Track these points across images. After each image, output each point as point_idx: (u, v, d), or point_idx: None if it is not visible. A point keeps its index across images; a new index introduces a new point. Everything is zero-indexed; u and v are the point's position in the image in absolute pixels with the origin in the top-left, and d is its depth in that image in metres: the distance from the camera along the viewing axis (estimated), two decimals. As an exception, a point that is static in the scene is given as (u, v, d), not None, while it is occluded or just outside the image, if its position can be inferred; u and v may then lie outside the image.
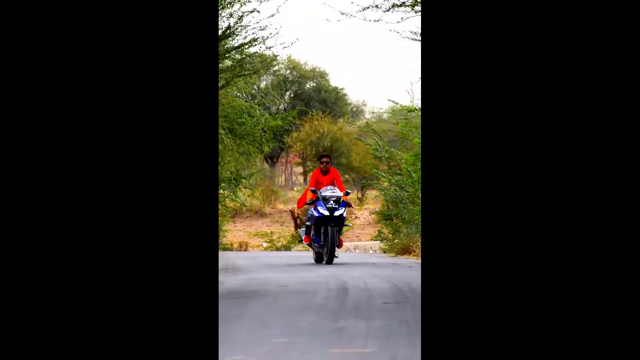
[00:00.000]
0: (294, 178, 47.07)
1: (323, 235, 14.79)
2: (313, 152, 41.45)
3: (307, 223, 15.26)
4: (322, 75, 48.07)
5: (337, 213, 14.76)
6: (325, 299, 8.35)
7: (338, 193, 14.92)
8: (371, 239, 31.64)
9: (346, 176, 41.62)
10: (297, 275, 11.83)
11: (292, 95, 47.09)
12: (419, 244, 20.61)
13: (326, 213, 14.73)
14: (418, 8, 13.69)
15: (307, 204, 15.32)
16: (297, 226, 16.19)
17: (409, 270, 13.38)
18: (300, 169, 45.46)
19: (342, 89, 48.95)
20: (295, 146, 42.26)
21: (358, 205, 40.95)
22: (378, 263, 15.97)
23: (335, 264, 14.80)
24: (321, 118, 41.41)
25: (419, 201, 20.01)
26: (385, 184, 24.22)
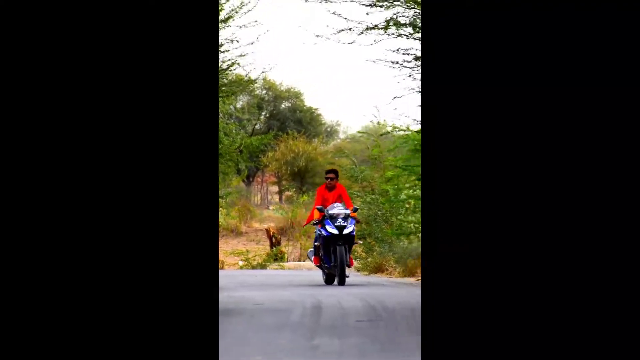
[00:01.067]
0: (269, 197, 47.01)
1: (333, 255, 13.84)
2: (288, 172, 41.45)
3: (316, 243, 14.28)
4: (297, 95, 48.10)
5: (346, 231, 13.86)
6: (300, 317, 8.36)
7: (346, 210, 14.02)
8: (345, 257, 31.59)
9: (321, 195, 41.60)
10: (272, 293, 11.83)
11: (267, 115, 47.08)
12: (392, 262, 20.63)
13: (335, 232, 13.80)
14: (391, 31, 13.76)
15: (313, 223, 14.39)
16: (272, 245, 16.02)
17: (382, 288, 13.40)
18: (275, 188, 45.41)
19: (316, 109, 48.99)
20: (270, 165, 42.23)
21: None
22: (351, 281, 15.97)
23: (312, 284, 14.79)
24: (296, 138, 41.43)
25: (392, 220, 20.04)
26: (359, 203, 24.23)
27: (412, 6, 13.53)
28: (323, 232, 13.94)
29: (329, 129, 51.21)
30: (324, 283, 14.23)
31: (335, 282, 13.90)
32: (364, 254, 24.61)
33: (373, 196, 22.82)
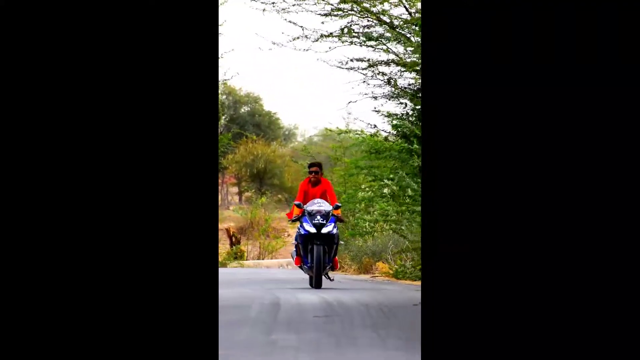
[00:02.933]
0: (229, 198, 46.90)
1: (310, 255, 12.47)
2: (248, 173, 41.40)
3: (294, 242, 12.94)
4: (256, 100, 48.03)
5: (324, 230, 12.38)
6: (258, 313, 8.38)
7: (326, 207, 12.51)
8: (303, 256, 31.58)
9: (279, 196, 41.60)
10: (232, 290, 11.84)
11: (228, 119, 46.97)
12: (348, 260, 20.70)
13: (312, 230, 12.38)
14: (345, 38, 13.83)
15: (292, 220, 12.93)
16: (232, 244, 15.78)
17: (337, 285, 13.45)
18: (235, 189, 45.31)
19: (275, 113, 48.97)
20: (230, 167, 42.14)
21: (291, 224, 40.85)
22: (308, 278, 16.00)
23: (270, 281, 14.77)
24: (255, 141, 41.39)
25: (349, 219, 20.08)
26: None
27: (366, 15, 13.60)
28: (301, 231, 12.62)
29: (287, 132, 51.19)
30: (311, 286, 12.66)
31: (313, 285, 12.47)
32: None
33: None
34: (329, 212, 12.46)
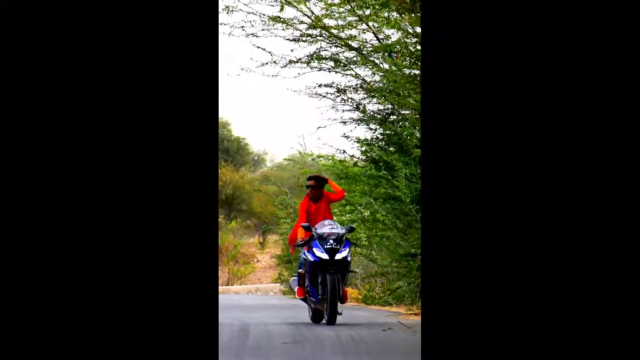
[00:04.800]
0: (198, 224, 46.84)
1: (321, 285, 10.34)
2: (216, 199, 41.39)
3: (300, 270, 10.87)
4: (225, 125, 48.04)
5: (339, 256, 10.33)
6: (228, 339, 8.27)
7: (339, 229, 10.50)
8: (272, 281, 31.54)
9: (248, 222, 41.51)
10: (201, 316, 11.70)
11: (196, 146, 47.00)
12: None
13: (325, 257, 10.30)
14: (314, 64, 13.79)
15: (298, 245, 10.83)
16: None
17: (307, 311, 13.34)
18: (204, 215, 45.27)
19: (244, 138, 48.99)
20: (199, 193, 42.08)
21: (259, 249, 40.81)
22: (277, 305, 15.89)
23: (239, 306, 14.65)
24: (223, 166, 41.33)
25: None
26: (285, 228, 24.22)
27: (334, 41, 13.57)
28: (310, 257, 10.46)
29: (256, 158, 51.20)
30: (309, 320, 10.92)
31: (324, 321, 10.40)
32: (289, 278, 24.61)
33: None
34: (342, 235, 10.49)
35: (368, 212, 14.23)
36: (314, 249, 10.36)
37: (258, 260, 39.58)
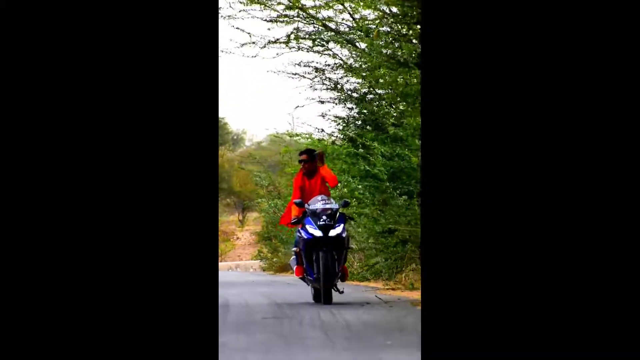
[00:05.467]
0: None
1: (316, 264, 9.87)
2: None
3: (294, 249, 10.42)
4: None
5: (332, 232, 9.84)
6: (208, 316, 8.35)
7: (333, 205, 9.97)
8: (251, 258, 31.61)
9: (227, 200, 41.53)
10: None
11: (176, 125, 46.83)
12: (292, 261, 20.70)
13: (317, 234, 9.83)
14: (292, 44, 13.85)
15: (292, 222, 10.37)
16: None
17: (286, 287, 13.45)
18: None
19: (223, 118, 48.93)
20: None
21: (239, 227, 40.84)
22: (257, 281, 15.98)
23: (219, 281, 14.70)
24: (204, 146, 41.30)
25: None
26: (265, 206, 24.29)
27: (312, 21, 13.63)
28: (303, 235, 9.96)
29: (235, 137, 51.12)
30: (315, 301, 10.30)
31: (321, 301, 9.84)
32: (269, 255, 24.70)
33: (278, 200, 22.90)
34: (336, 211, 9.96)
35: (346, 189, 14.34)
36: (307, 226, 9.88)
37: (238, 238, 39.61)
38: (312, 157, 10.35)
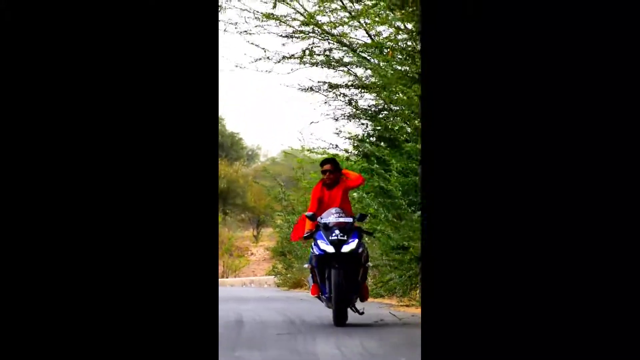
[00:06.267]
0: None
1: (328, 281, 9.15)
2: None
3: (305, 266, 9.97)
4: (219, 121, 48.05)
5: (345, 248, 9.03)
6: (223, 330, 8.34)
7: (346, 218, 9.20)
8: (266, 274, 31.60)
9: (242, 215, 41.55)
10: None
11: (191, 140, 46.93)
12: (309, 278, 20.65)
13: (329, 249, 9.05)
14: (306, 60, 13.85)
15: (305, 237, 9.50)
16: None
17: (300, 302, 13.42)
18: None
19: (237, 133, 49.02)
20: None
21: (254, 243, 40.84)
22: (271, 297, 15.94)
23: (234, 299, 14.69)
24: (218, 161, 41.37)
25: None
26: (280, 221, 24.29)
27: (326, 38, 13.64)
28: (315, 250, 9.22)
29: (250, 153, 51.21)
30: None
31: (334, 322, 9.08)
32: (284, 270, 24.67)
33: (293, 216, 22.87)
34: (350, 224, 9.18)
35: (360, 205, 14.31)
36: (319, 241, 9.11)
37: (252, 253, 39.60)
38: (336, 167, 9.51)
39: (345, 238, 9.04)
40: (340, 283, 8.90)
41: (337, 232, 9.04)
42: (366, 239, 14.17)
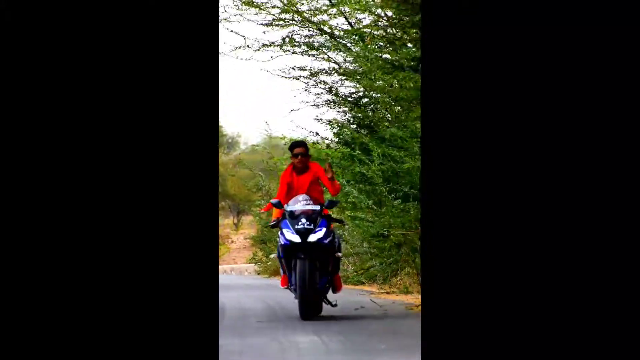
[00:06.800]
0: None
1: (294, 272, 8.53)
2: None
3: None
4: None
5: (312, 238, 8.42)
6: (203, 319, 8.32)
7: (313, 206, 8.56)
8: (246, 262, 31.60)
9: (222, 203, 41.51)
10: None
11: (171, 128, 46.83)
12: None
13: (295, 239, 8.43)
14: (286, 47, 13.82)
15: (271, 226, 9.07)
16: None
17: (281, 291, 13.39)
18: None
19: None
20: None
21: (234, 230, 40.84)
22: (252, 284, 15.91)
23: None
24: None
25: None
26: (259, 210, 24.28)
27: (307, 25, 13.60)
28: (281, 240, 8.63)
29: (230, 141, 51.13)
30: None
31: (302, 315, 8.56)
32: (264, 258, 24.69)
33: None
34: (317, 213, 8.56)
35: (340, 193, 14.29)
36: (284, 230, 8.51)
37: (232, 241, 39.60)
38: (307, 151, 8.94)
39: (312, 227, 8.44)
40: (305, 274, 8.31)
41: (303, 220, 8.44)
42: (345, 227, 13.94)
